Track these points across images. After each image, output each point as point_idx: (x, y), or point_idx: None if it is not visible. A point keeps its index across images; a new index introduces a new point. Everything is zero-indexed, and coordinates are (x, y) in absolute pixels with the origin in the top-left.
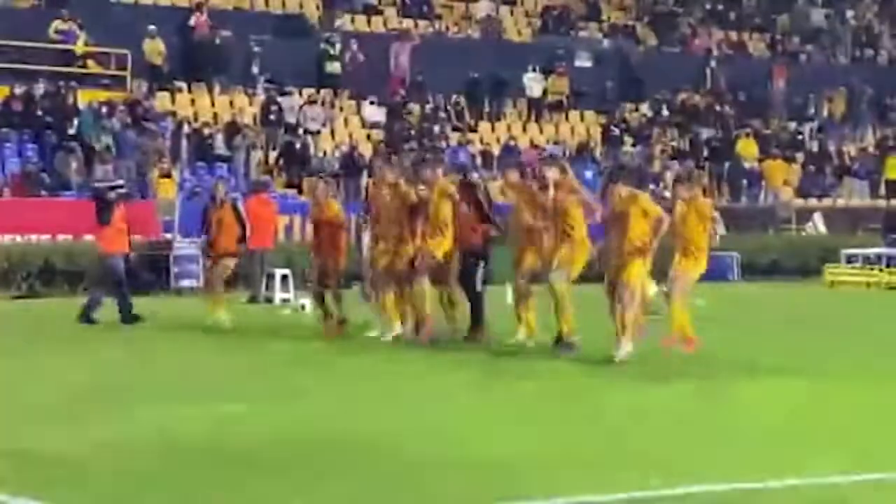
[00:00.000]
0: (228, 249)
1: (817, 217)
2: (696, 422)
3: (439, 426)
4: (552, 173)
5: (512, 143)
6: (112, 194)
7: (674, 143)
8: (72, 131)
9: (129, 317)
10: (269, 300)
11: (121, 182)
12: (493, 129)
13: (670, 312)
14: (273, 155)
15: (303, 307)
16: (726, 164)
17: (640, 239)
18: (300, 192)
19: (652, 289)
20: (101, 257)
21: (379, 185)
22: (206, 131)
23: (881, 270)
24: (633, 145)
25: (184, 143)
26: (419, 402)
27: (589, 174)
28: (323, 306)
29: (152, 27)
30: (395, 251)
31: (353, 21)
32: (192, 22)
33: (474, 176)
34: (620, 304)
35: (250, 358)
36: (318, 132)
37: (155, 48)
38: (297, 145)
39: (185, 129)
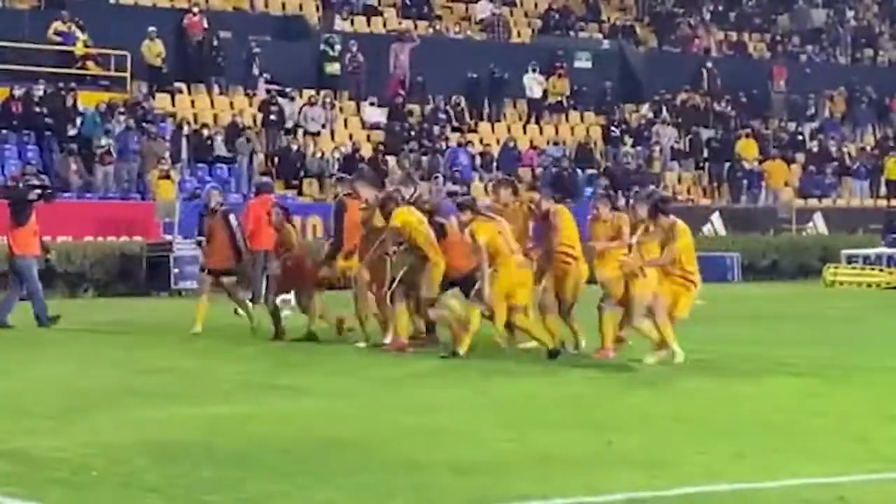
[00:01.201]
0: (222, 265)
1: (817, 217)
2: (694, 422)
3: (435, 427)
4: (504, 194)
5: (511, 143)
6: (32, 194)
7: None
8: (72, 133)
9: (46, 319)
10: None
11: (37, 182)
12: (493, 130)
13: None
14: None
15: (235, 311)
16: (726, 165)
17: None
18: (300, 193)
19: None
20: (13, 259)
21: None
22: (206, 133)
23: (881, 271)
24: (634, 146)
25: (184, 144)
26: (415, 404)
27: (590, 191)
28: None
29: (152, 28)
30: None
31: (352, 22)
32: (185, 22)
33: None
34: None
35: (246, 359)
36: (318, 133)
37: (154, 49)
38: (294, 147)
39: (185, 130)
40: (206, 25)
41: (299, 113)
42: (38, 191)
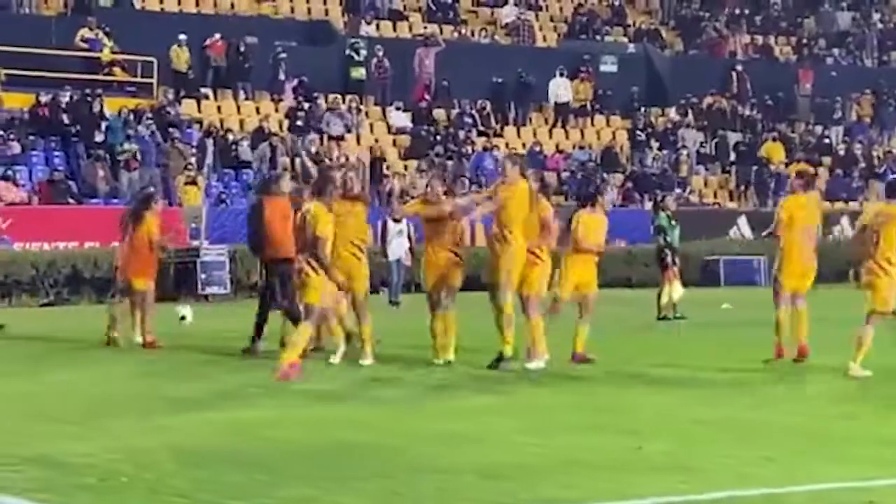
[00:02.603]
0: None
1: (844, 220)
2: (722, 426)
3: (460, 432)
4: (439, 187)
5: (537, 147)
6: None
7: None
8: (99, 139)
9: None
10: None
11: None
12: (518, 134)
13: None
14: (297, 161)
15: (183, 318)
16: (753, 168)
17: None
18: None
19: (678, 292)
20: None
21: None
22: (233, 138)
23: None
24: (660, 149)
25: (209, 149)
26: (440, 410)
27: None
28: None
29: (183, 36)
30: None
31: (378, 27)
32: (206, 43)
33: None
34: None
35: (269, 365)
36: (342, 137)
37: (183, 56)
38: (315, 150)
39: (212, 135)
40: (226, 50)
41: (324, 116)
42: None
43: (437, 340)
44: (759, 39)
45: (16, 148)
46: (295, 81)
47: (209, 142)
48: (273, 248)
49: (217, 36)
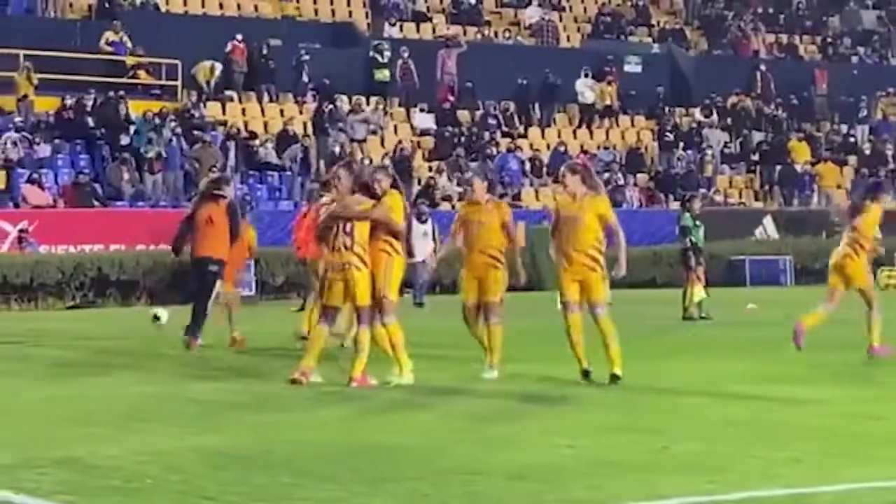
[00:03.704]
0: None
1: None
2: (749, 426)
3: (488, 434)
4: (385, 183)
5: (562, 148)
6: None
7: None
8: (124, 141)
9: None
10: None
11: None
12: (542, 135)
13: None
14: (322, 164)
15: (157, 318)
16: (778, 168)
17: None
18: None
19: (699, 294)
20: None
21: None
22: (257, 140)
23: None
24: (685, 150)
25: (232, 151)
26: (467, 411)
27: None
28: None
29: (218, 64)
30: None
31: (401, 28)
32: (228, 48)
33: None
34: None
35: (292, 365)
36: (364, 140)
37: (208, 71)
38: (338, 151)
39: (234, 138)
40: (248, 54)
41: (348, 118)
42: None
43: (396, 353)
44: (784, 38)
45: (42, 151)
46: (314, 84)
47: (231, 144)
48: (200, 247)
49: (239, 37)
